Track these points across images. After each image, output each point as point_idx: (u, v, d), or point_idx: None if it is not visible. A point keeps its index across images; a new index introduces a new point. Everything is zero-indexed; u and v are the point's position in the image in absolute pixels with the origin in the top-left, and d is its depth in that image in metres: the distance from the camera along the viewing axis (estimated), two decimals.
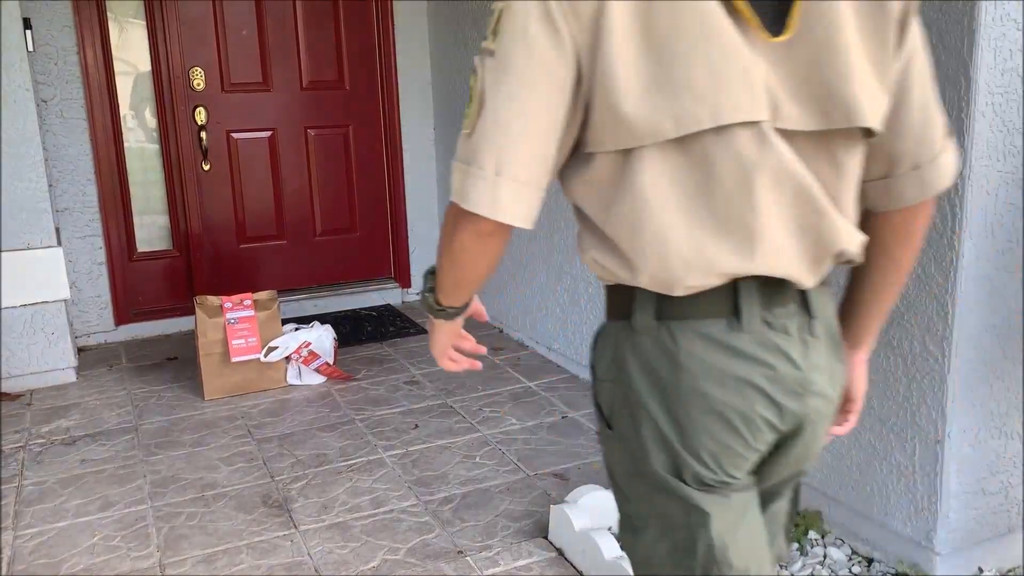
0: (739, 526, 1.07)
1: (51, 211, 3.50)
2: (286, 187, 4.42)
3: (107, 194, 4.05)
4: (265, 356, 3.42)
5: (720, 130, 0.94)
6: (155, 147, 4.21)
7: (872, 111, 1.00)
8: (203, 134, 4.19)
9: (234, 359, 3.37)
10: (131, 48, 4.09)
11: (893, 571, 2.17)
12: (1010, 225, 1.96)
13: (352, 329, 4.19)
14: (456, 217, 1.02)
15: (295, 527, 2.47)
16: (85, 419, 3.27)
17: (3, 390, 3.50)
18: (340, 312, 4.46)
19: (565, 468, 2.78)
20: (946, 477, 2.03)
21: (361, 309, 4.49)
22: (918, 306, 2.02)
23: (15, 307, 3.47)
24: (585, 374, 3.50)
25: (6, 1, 3.28)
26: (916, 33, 1.05)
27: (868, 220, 1.14)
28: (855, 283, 1.23)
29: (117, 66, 4.02)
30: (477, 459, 2.86)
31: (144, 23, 4.06)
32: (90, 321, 4.09)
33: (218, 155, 4.24)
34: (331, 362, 3.57)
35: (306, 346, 3.49)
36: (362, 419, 3.20)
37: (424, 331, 4.24)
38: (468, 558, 2.29)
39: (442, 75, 4.46)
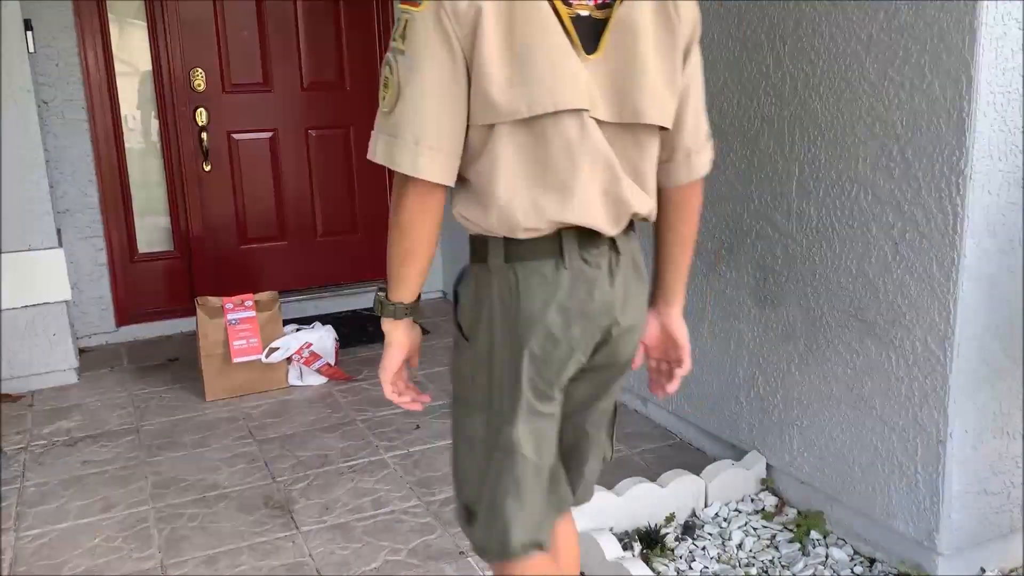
0: (543, 427, 1.42)
1: (52, 212, 3.50)
2: (287, 188, 4.43)
3: (108, 195, 4.05)
4: (266, 357, 3.42)
5: (556, 115, 1.27)
6: (156, 148, 4.21)
7: (658, 113, 1.35)
8: (204, 135, 4.19)
9: (235, 360, 3.37)
10: (132, 49, 4.09)
11: (895, 571, 2.16)
12: (1012, 224, 1.96)
13: (353, 330, 4.19)
14: (399, 188, 1.32)
15: (296, 528, 2.46)
16: (87, 420, 3.27)
17: (5, 391, 3.51)
18: (341, 313, 4.46)
19: None
20: (948, 477, 2.02)
21: (362, 310, 4.49)
22: (920, 306, 2.02)
23: (16, 308, 3.47)
24: None
25: (7, 2, 3.28)
26: (696, 59, 1.43)
27: (660, 197, 1.49)
28: (657, 256, 1.57)
29: (118, 67, 4.03)
30: None
31: (145, 24, 4.06)
32: (91, 322, 4.09)
33: (219, 156, 4.24)
34: (332, 363, 3.58)
35: (307, 347, 3.49)
36: (363, 420, 3.20)
37: (426, 331, 4.24)
38: (470, 559, 2.29)
39: None
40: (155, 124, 4.18)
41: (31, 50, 3.50)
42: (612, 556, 2.09)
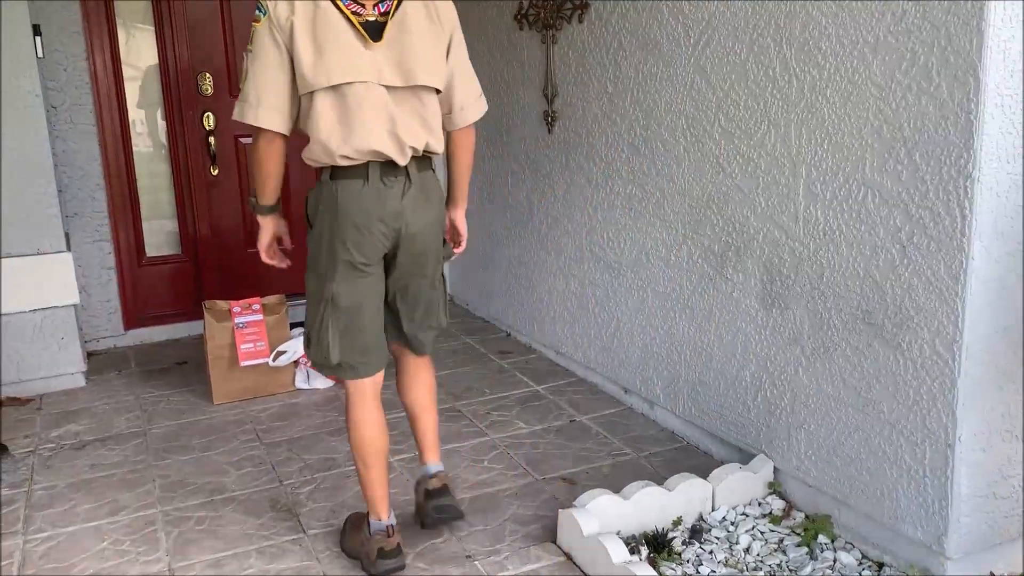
0: (355, 287, 2.14)
1: (61, 216, 3.52)
2: (294, 192, 4.43)
3: (116, 199, 4.07)
4: (273, 361, 3.42)
5: (350, 84, 2.00)
6: (164, 152, 4.23)
7: (428, 77, 2.07)
8: (211, 139, 4.20)
9: (243, 363, 3.38)
10: (140, 53, 4.11)
11: (903, 575, 2.15)
12: (1020, 227, 1.95)
13: None
14: (254, 137, 2.09)
15: (303, 531, 2.47)
16: (95, 423, 3.28)
17: (14, 395, 3.52)
18: None
19: (573, 472, 2.77)
20: (957, 481, 2.01)
21: None
22: (928, 309, 2.01)
23: (25, 312, 3.49)
24: (593, 377, 3.49)
25: (16, 5, 3.30)
26: (458, 43, 2.18)
27: (447, 137, 2.24)
28: (448, 177, 2.35)
29: (126, 71, 4.04)
30: (485, 463, 2.86)
31: (152, 28, 4.07)
32: (99, 325, 4.11)
33: (227, 160, 4.25)
34: None
35: None
36: None
37: None
38: (476, 562, 2.29)
39: None
40: (163, 128, 4.20)
41: (40, 55, 3.52)
42: (619, 560, 2.08)
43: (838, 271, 2.25)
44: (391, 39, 2.03)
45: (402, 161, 2.07)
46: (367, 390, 2.24)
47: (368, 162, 2.05)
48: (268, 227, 2.30)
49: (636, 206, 3.05)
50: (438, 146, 2.16)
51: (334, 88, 1.99)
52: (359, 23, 2.00)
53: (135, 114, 4.12)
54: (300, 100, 2.04)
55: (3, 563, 2.35)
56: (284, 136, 2.07)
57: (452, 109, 2.20)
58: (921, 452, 2.08)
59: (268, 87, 2.00)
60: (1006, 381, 2.02)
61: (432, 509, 2.30)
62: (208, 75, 4.17)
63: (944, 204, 1.94)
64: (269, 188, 2.19)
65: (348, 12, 1.99)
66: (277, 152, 2.10)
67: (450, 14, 2.15)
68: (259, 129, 2.04)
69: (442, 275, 2.32)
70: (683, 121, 2.76)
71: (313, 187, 2.17)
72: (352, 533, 2.33)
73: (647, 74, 2.90)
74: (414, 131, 2.08)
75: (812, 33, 2.23)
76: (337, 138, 2.02)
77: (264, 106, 2.01)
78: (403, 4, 2.06)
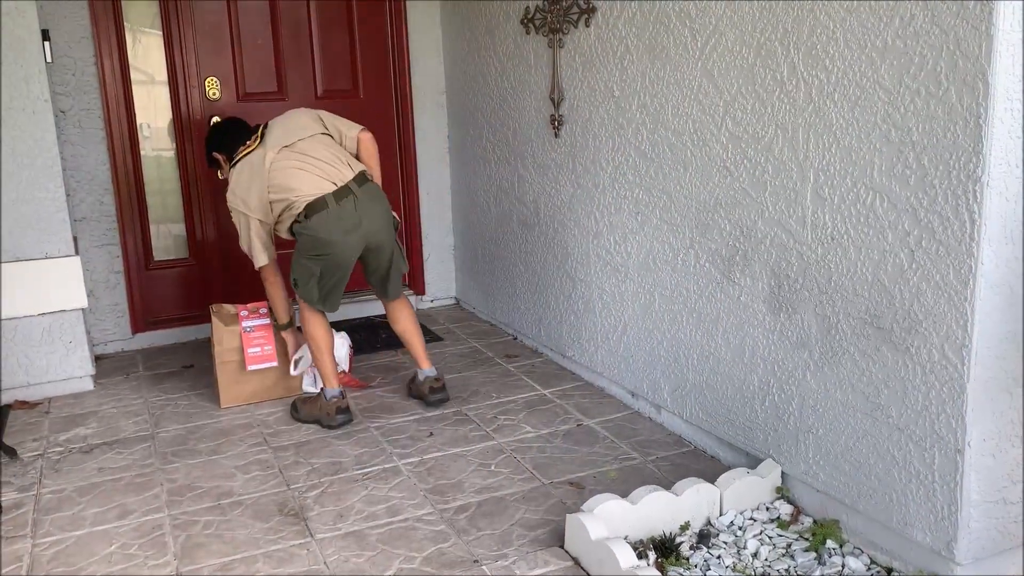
0: (334, 270, 3.17)
1: (69, 220, 3.53)
2: None
3: (124, 203, 4.08)
4: (295, 369, 3.44)
5: (286, 147, 3.19)
6: (171, 156, 4.24)
7: (311, 132, 3.27)
8: None
9: (250, 367, 3.38)
10: (148, 58, 4.12)
11: None
12: None
13: (367, 337, 4.20)
14: (264, 279, 3.41)
15: (311, 536, 2.47)
16: (102, 427, 3.29)
17: (22, 398, 3.53)
18: (355, 320, 4.47)
19: (581, 476, 2.77)
20: (966, 486, 2.01)
21: (375, 317, 4.50)
22: (937, 314, 2.01)
23: (33, 316, 3.50)
24: (600, 381, 3.49)
25: (25, 9, 3.32)
26: (328, 118, 3.37)
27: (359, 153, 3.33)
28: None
29: (134, 76, 4.06)
30: (492, 467, 2.86)
31: (160, 33, 4.09)
32: (107, 329, 4.12)
33: None
34: (347, 369, 3.58)
35: None
36: (377, 427, 3.21)
37: (439, 338, 4.25)
38: (484, 566, 2.29)
39: (456, 83, 4.47)
40: (170, 132, 4.21)
41: (49, 60, 3.54)
42: (627, 565, 2.08)
43: (846, 275, 2.25)
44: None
45: (344, 186, 3.13)
46: (318, 313, 3.26)
47: (324, 195, 3.08)
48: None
49: (643, 210, 3.05)
50: (358, 164, 3.25)
51: (287, 147, 3.20)
52: (257, 136, 3.27)
53: (143, 118, 4.14)
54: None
55: (12, 567, 2.36)
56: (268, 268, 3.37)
57: (341, 139, 3.32)
58: (930, 457, 2.07)
59: (256, 242, 3.26)
60: (1015, 386, 2.02)
61: (436, 400, 3.34)
62: (215, 79, 4.18)
63: (953, 208, 1.94)
64: (278, 309, 3.47)
65: (255, 139, 3.24)
66: (275, 283, 3.42)
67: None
68: (263, 270, 3.36)
69: (396, 242, 3.31)
70: (690, 125, 2.76)
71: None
72: (306, 406, 3.28)
73: (654, 78, 2.90)
74: (335, 169, 3.17)
75: (820, 37, 2.23)
76: (307, 185, 3.13)
77: (259, 257, 3.30)
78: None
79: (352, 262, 3.17)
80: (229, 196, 3.20)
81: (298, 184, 3.07)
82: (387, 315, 3.48)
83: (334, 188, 3.07)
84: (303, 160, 3.11)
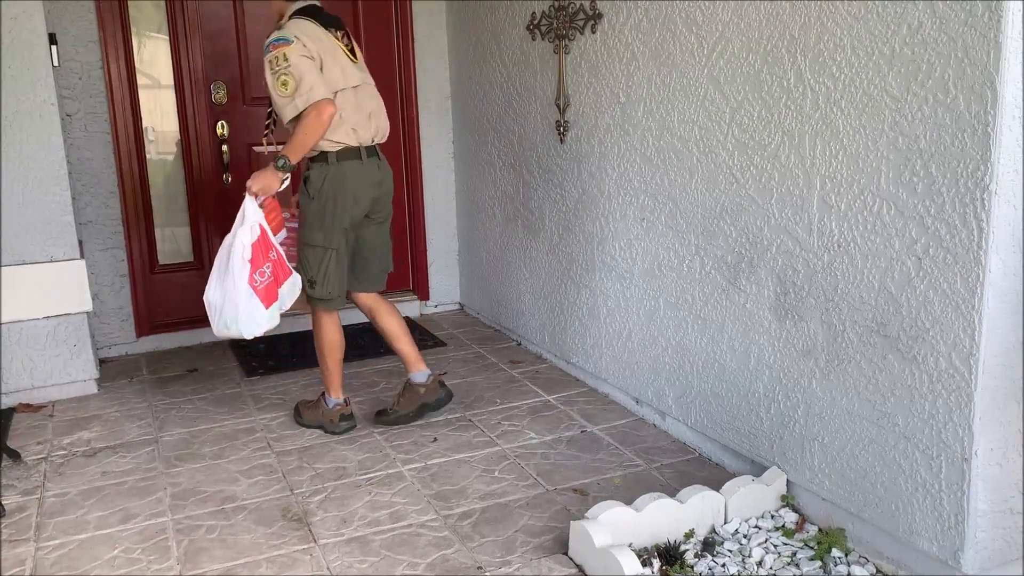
0: (344, 243, 3.05)
1: (74, 224, 3.53)
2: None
3: (130, 207, 4.08)
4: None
5: (357, 86, 3.01)
6: (177, 160, 4.25)
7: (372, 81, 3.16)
8: (224, 147, 4.22)
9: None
10: (154, 62, 4.13)
11: None
12: None
13: (371, 341, 4.19)
14: (315, 113, 2.82)
15: (315, 541, 2.46)
16: (106, 431, 3.29)
17: (26, 401, 3.53)
18: (359, 324, 4.46)
19: (585, 483, 2.76)
20: (973, 496, 2.00)
21: None
22: (944, 322, 2.00)
23: (38, 319, 3.50)
24: (604, 387, 3.48)
25: (32, 14, 3.32)
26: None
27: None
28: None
29: (140, 80, 4.07)
30: (496, 473, 2.85)
31: (167, 37, 4.10)
32: (112, 333, 4.12)
33: (239, 168, 4.26)
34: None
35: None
36: (380, 432, 3.20)
37: (443, 343, 4.24)
38: (487, 574, 2.28)
39: (461, 89, 4.48)
40: (176, 136, 4.21)
41: (55, 63, 3.54)
42: (631, 573, 2.07)
43: (853, 283, 2.24)
44: (359, 60, 3.11)
45: (380, 142, 3.11)
46: (336, 315, 3.16)
47: (359, 146, 3.01)
48: (280, 178, 2.99)
49: (648, 216, 3.04)
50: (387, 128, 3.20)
51: (354, 88, 2.97)
52: (346, 49, 3.02)
53: (149, 122, 4.14)
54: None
55: (15, 570, 2.36)
56: (332, 102, 2.88)
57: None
58: (937, 466, 2.06)
59: (317, 80, 2.82)
60: (1022, 395, 2.01)
61: (444, 396, 3.26)
62: (222, 84, 4.19)
63: (960, 216, 1.93)
64: (307, 149, 2.92)
65: (341, 44, 2.99)
66: (327, 117, 2.83)
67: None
68: (319, 105, 2.81)
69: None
70: (696, 132, 2.75)
71: (311, 168, 2.99)
72: (308, 411, 3.28)
73: (660, 85, 2.90)
74: (380, 119, 3.10)
75: (827, 44, 2.22)
76: (349, 124, 2.95)
77: (316, 91, 2.81)
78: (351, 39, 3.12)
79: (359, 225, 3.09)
80: (279, 33, 2.84)
81: (357, 120, 2.96)
82: (368, 311, 3.27)
83: (369, 144, 3.04)
84: (368, 104, 3.03)
